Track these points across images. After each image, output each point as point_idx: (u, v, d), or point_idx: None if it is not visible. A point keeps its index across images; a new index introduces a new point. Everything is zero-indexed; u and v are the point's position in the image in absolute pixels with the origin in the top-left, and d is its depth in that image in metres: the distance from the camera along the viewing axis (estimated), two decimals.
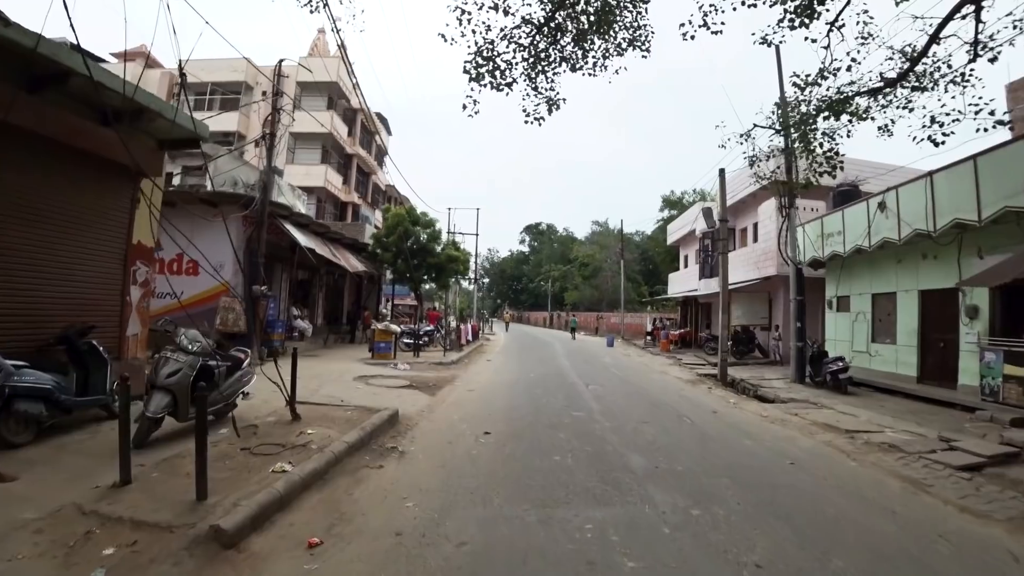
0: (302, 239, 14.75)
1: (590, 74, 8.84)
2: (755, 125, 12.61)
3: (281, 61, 14.89)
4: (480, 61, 8.17)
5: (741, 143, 12.46)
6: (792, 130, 9.35)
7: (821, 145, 8.83)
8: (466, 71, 8.10)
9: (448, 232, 24.35)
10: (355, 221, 31.21)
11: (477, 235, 32.26)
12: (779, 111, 14.89)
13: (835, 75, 8.51)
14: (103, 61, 36.02)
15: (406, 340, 16.90)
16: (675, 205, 39.26)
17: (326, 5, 8.57)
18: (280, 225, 14.78)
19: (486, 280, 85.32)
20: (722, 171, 15.81)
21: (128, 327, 7.94)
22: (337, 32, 9.34)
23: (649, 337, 31.45)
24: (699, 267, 27.04)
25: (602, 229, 69.84)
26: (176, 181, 17.00)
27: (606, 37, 8.52)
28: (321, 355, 15.34)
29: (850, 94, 8.53)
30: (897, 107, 9.52)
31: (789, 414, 9.81)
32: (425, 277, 22.41)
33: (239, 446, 5.37)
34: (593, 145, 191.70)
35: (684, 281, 30.53)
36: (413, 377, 11.94)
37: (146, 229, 8.33)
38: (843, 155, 8.99)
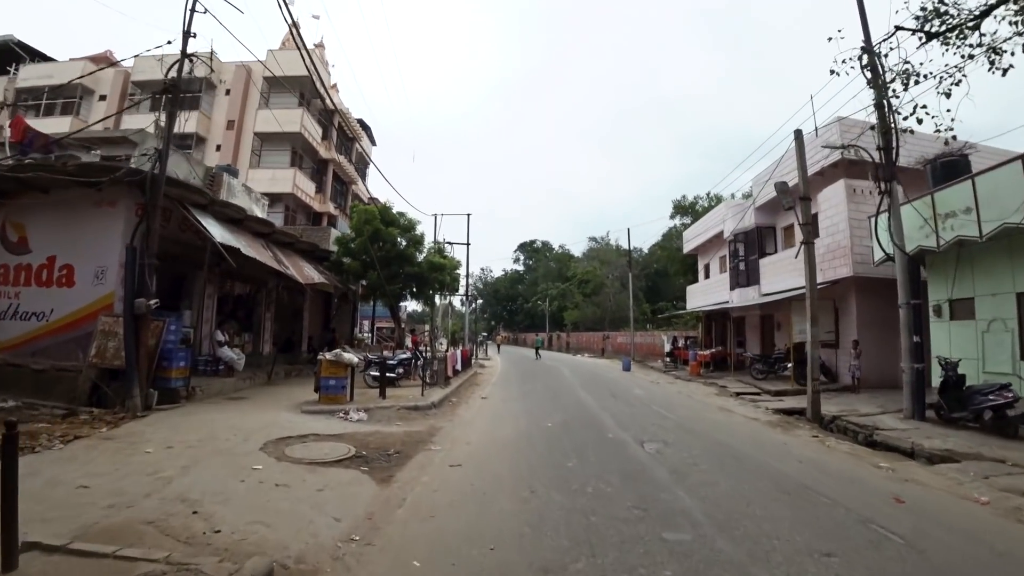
0: (217, 233, 10.45)
1: None
2: (897, 28, 8.59)
3: None
4: None
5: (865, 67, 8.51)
6: None
7: None
8: None
9: (434, 242, 20.04)
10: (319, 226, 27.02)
11: (468, 244, 27.81)
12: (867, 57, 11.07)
13: None
14: (51, 59, 31.75)
15: (372, 373, 12.51)
16: (687, 211, 35.32)
17: None
18: (189, 215, 10.49)
19: (479, 301, 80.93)
20: (799, 132, 11.74)
21: None
22: None
23: (668, 358, 27.20)
24: (730, 275, 22.90)
25: (600, 245, 65.98)
26: None
27: None
28: (251, 397, 10.92)
29: None
30: None
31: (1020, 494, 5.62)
32: (404, 293, 17.99)
33: None
34: (584, 172, 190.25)
35: (708, 293, 26.33)
36: (365, 437, 7.53)
37: None
38: None
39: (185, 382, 9.86)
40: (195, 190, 10.94)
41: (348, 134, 38.24)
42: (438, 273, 17.27)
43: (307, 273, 14.65)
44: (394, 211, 17.42)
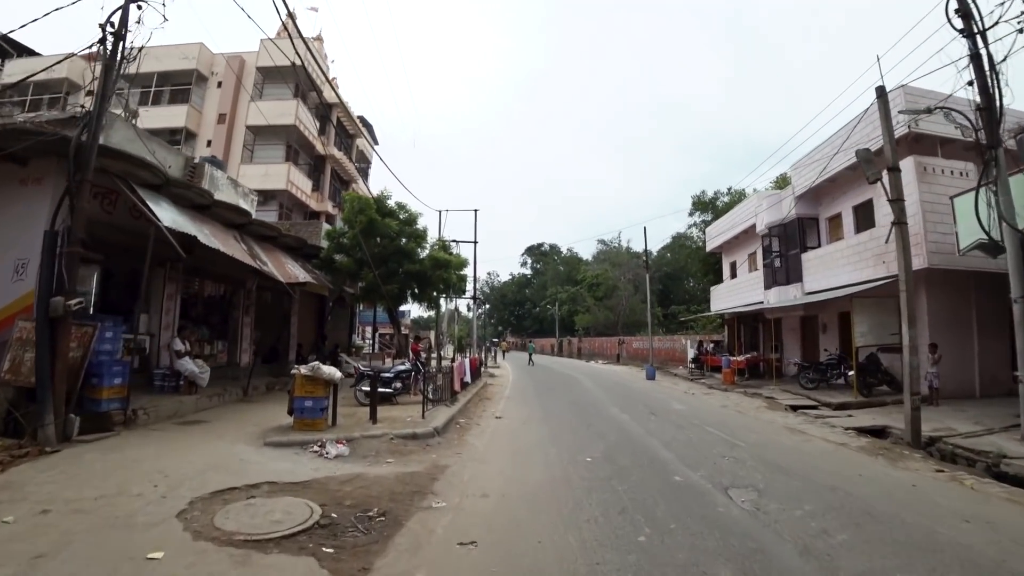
0: (167, 217, 8.41)
1: None
2: None
3: None
4: None
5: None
6: None
7: None
8: None
9: (439, 239, 17.70)
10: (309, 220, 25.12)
11: (476, 242, 25.50)
12: None
13: None
14: (36, 54, 30.16)
15: (364, 388, 10.42)
16: (707, 207, 33.13)
17: None
18: (130, 195, 8.46)
19: (487, 306, 78.83)
20: (882, 89, 9.59)
21: None
22: None
23: (693, 364, 24.97)
24: (764, 273, 20.72)
25: (610, 248, 63.84)
26: None
27: None
28: (212, 421, 8.85)
29: None
30: None
31: None
32: (405, 294, 15.79)
33: None
34: (595, 179, 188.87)
35: (736, 293, 24.12)
36: (341, 485, 5.42)
37: None
38: None
39: (122, 403, 7.78)
40: (143, 164, 8.89)
41: (348, 131, 36.43)
42: (442, 271, 15.10)
43: (290, 271, 12.60)
44: (392, 203, 15.32)
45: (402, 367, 11.38)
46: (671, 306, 46.23)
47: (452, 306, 38.91)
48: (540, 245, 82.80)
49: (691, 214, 33.97)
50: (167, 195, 9.47)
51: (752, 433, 8.98)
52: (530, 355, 38.58)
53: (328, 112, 33.57)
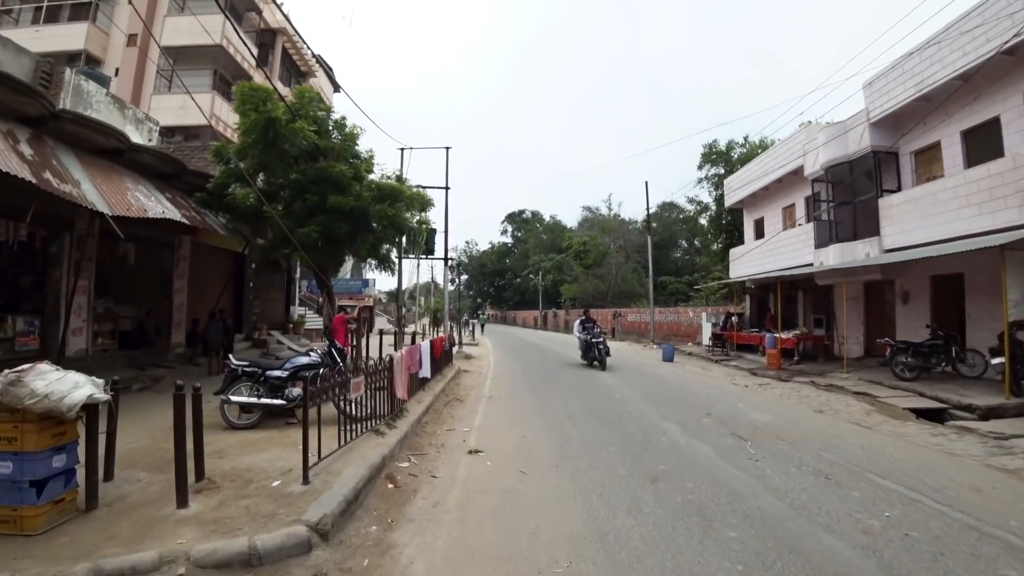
0: None
1: None
2: None
3: None
4: None
5: None
6: None
7: None
8: None
9: (395, 174, 11.83)
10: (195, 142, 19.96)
11: (448, 188, 20.00)
12: None
13: None
14: None
15: (234, 398, 5.64)
16: (720, 159, 28.53)
17: None
18: None
19: (464, 276, 73.89)
20: None
21: None
22: None
23: (712, 341, 20.72)
24: (816, 227, 16.26)
25: (596, 215, 59.20)
26: None
27: None
28: None
29: None
30: None
31: None
32: (339, 242, 10.26)
33: None
34: (571, 145, 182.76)
35: (770, 256, 19.59)
36: None
37: None
38: None
39: None
40: None
41: (300, 68, 30.84)
42: (388, 205, 9.86)
43: (134, 201, 7.64)
44: (320, 112, 10.11)
45: (304, 359, 6.47)
46: (660, 276, 42.25)
47: (428, 276, 34.23)
48: (522, 212, 77.97)
49: (700, 167, 29.31)
50: None
51: (970, 492, 4.46)
52: (482, 326, 39.53)
53: (272, 40, 28.01)
